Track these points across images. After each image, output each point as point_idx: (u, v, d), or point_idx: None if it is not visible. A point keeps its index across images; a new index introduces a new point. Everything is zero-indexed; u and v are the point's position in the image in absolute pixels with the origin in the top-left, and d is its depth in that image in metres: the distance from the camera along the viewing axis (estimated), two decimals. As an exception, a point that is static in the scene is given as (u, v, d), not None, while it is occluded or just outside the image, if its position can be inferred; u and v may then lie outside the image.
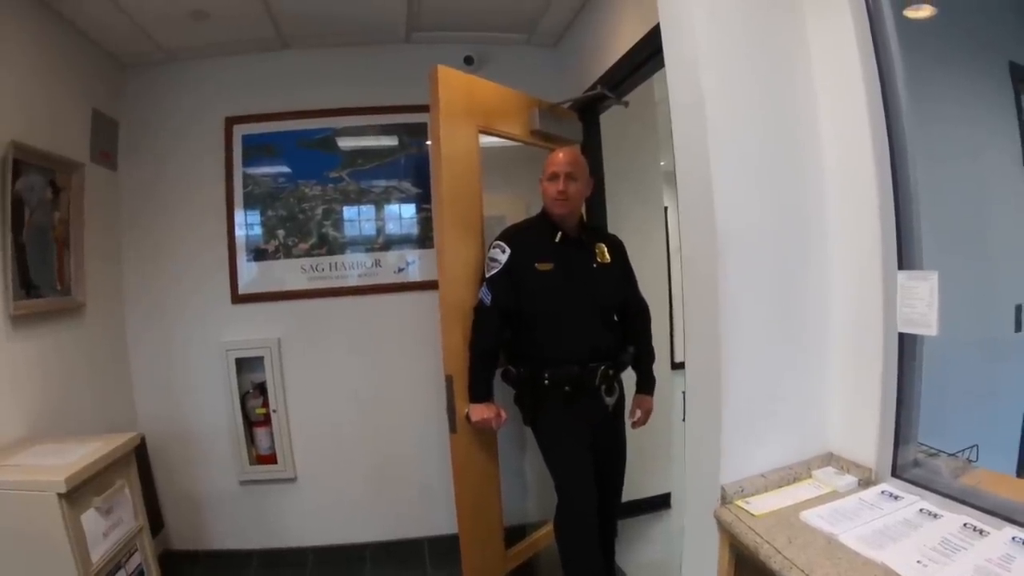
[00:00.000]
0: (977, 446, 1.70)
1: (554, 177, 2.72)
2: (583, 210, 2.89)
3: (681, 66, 1.90)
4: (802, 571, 1.38)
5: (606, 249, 2.87)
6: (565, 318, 2.72)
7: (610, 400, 2.81)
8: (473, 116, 2.89)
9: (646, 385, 3.04)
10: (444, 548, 3.61)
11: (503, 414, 2.79)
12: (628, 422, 3.03)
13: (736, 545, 1.70)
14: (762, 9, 1.86)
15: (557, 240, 2.77)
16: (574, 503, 2.71)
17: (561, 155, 2.77)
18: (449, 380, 2.74)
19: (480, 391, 2.75)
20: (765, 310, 1.85)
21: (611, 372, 2.79)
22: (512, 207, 3.16)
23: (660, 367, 3.12)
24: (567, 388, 2.70)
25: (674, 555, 2.76)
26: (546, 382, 2.70)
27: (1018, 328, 2.28)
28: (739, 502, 1.75)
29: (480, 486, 2.90)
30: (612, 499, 2.95)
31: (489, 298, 2.71)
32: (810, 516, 1.61)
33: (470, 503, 2.84)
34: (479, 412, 2.73)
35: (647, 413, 3.04)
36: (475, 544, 2.87)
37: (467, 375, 2.76)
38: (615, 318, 2.92)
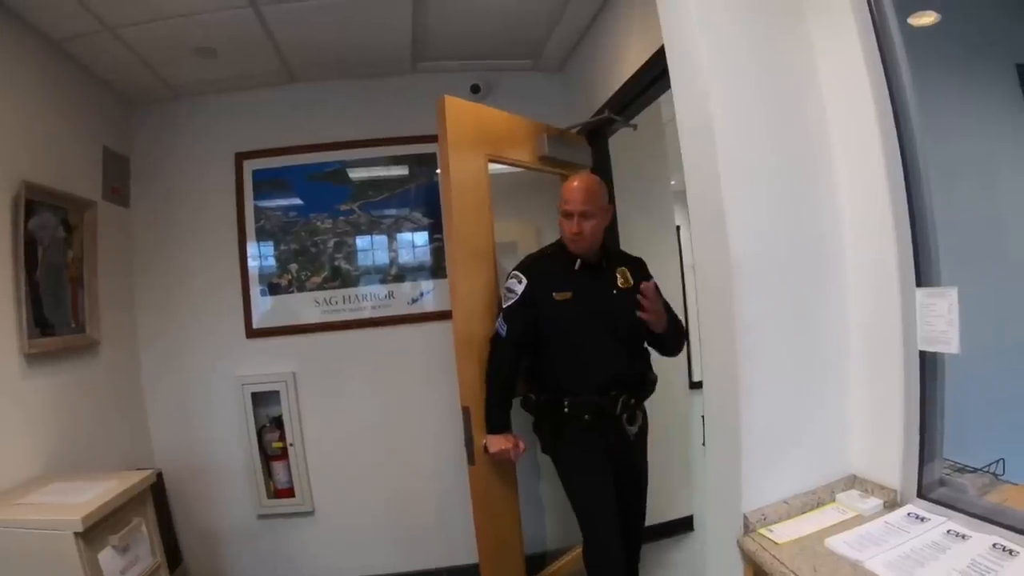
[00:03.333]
0: (1003, 460, 1.67)
1: (568, 216, 2.66)
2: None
3: (688, 90, 1.91)
4: (829, 601, 1.35)
5: (628, 273, 2.80)
6: (584, 347, 2.67)
7: (632, 429, 2.75)
8: (482, 145, 2.89)
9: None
10: (462, 578, 3.60)
11: (521, 445, 2.75)
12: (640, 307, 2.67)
13: (760, 575, 1.67)
14: (767, 29, 1.86)
15: (576, 268, 2.74)
16: (598, 533, 2.67)
17: (575, 187, 2.67)
18: (466, 411, 2.72)
19: (497, 422, 2.73)
20: (782, 333, 1.84)
21: (632, 401, 2.73)
22: (523, 233, 3.16)
23: (678, 387, 3.09)
24: (587, 417, 2.66)
25: (698, 579, 2.72)
26: (566, 410, 2.66)
27: (1043, 338, 2.25)
28: (762, 530, 1.73)
29: (500, 517, 2.87)
30: (634, 524, 2.88)
31: (504, 329, 2.70)
32: (835, 543, 1.58)
33: (490, 534, 2.81)
34: (497, 443, 2.71)
35: (649, 290, 2.56)
36: (496, 574, 2.83)
37: (484, 406, 2.73)
38: (639, 343, 2.81)
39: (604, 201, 2.74)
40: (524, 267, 2.75)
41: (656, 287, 2.60)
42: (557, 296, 2.68)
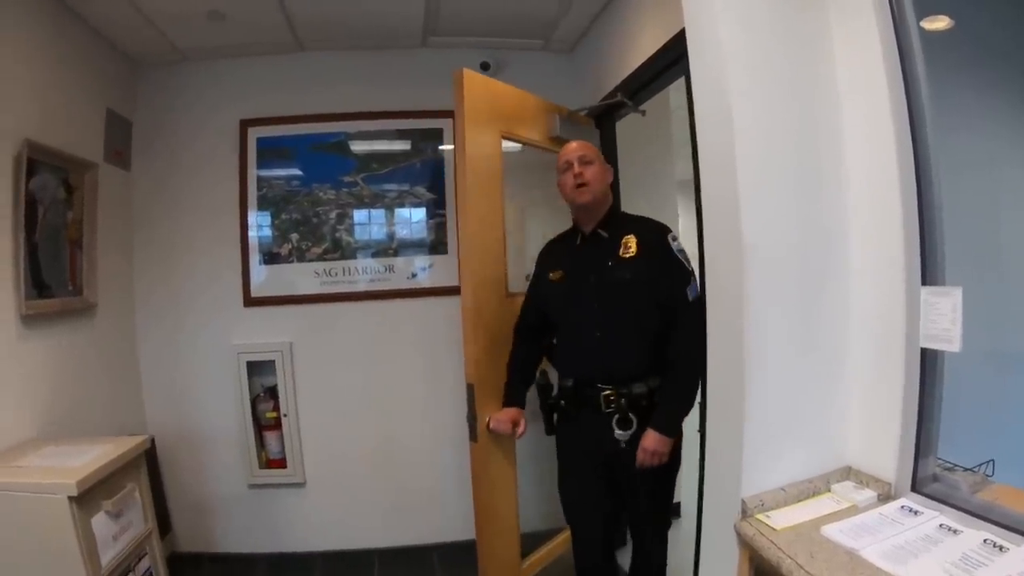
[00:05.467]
0: (993, 460, 1.70)
1: (567, 167, 2.50)
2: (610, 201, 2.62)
3: (707, 78, 1.90)
4: (825, 587, 1.37)
5: (635, 241, 2.44)
6: (570, 329, 2.57)
7: (622, 435, 2.40)
8: (496, 121, 2.85)
9: (656, 415, 2.38)
10: (453, 555, 3.61)
11: (520, 428, 2.70)
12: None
13: (756, 559, 1.69)
14: (789, 20, 1.85)
15: (578, 242, 2.58)
16: (574, 532, 2.72)
17: (569, 145, 2.59)
18: (470, 389, 2.71)
19: (506, 397, 2.73)
20: (788, 324, 1.84)
21: (622, 401, 2.39)
22: (548, 213, 3.11)
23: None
24: (563, 403, 2.57)
25: (685, 564, 2.74)
26: (557, 393, 2.62)
27: (1033, 341, 2.28)
28: (759, 516, 1.74)
29: (497, 494, 2.88)
30: (637, 532, 2.67)
31: (521, 312, 2.75)
32: (831, 531, 1.59)
33: (487, 511, 2.83)
34: (496, 415, 2.70)
35: (644, 452, 2.36)
36: (491, 553, 2.85)
37: None
38: (646, 330, 2.42)
39: (602, 157, 2.61)
40: (540, 251, 2.76)
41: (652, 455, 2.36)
42: (552, 276, 2.60)
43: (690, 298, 2.36)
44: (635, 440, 2.38)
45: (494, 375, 2.76)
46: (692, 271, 2.43)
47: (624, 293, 2.41)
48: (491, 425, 2.71)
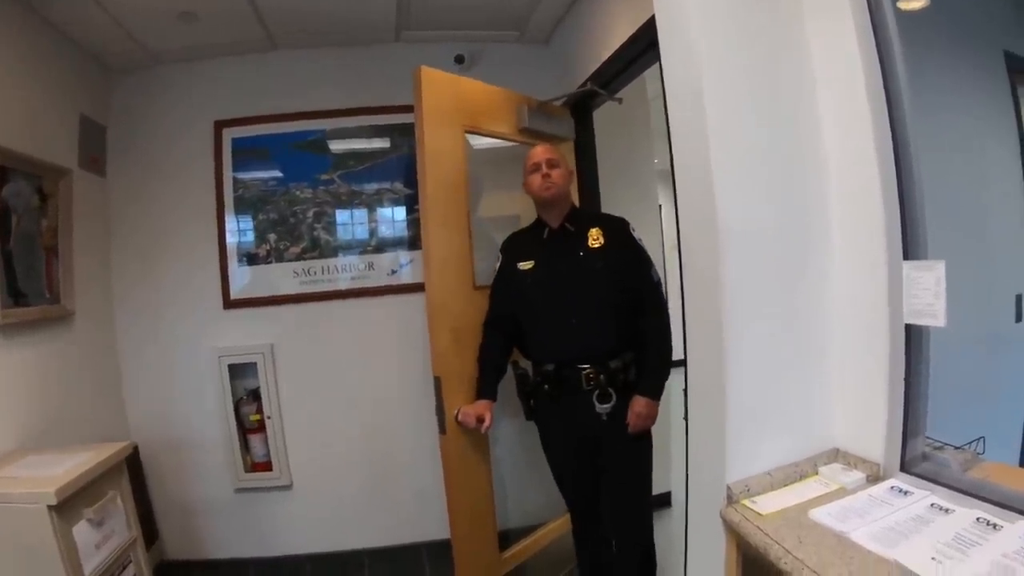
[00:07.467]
0: (984, 438, 1.68)
1: (536, 168, 2.71)
2: (575, 199, 2.82)
3: (678, 59, 1.88)
4: (814, 572, 1.35)
5: (601, 233, 2.69)
6: (546, 316, 2.69)
7: (603, 408, 2.60)
8: (459, 117, 2.88)
9: (641, 383, 2.63)
10: (442, 553, 3.56)
11: (486, 419, 2.70)
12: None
13: (743, 546, 1.67)
14: (760, 2, 1.83)
15: (545, 236, 2.76)
16: (567, 503, 2.89)
17: (536, 148, 2.79)
18: (437, 381, 2.72)
19: (477, 390, 2.78)
20: (768, 306, 1.82)
21: (601, 376, 2.60)
22: (526, 204, 3.11)
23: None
24: (546, 387, 2.69)
25: (675, 555, 2.72)
26: (538, 379, 2.73)
27: (1019, 318, 2.28)
28: (745, 501, 1.72)
29: (472, 487, 2.87)
30: (616, 510, 2.76)
31: (489, 305, 2.84)
32: (819, 514, 1.58)
33: (461, 504, 2.81)
34: (465, 408, 2.73)
35: (637, 417, 2.59)
36: (468, 546, 2.84)
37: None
38: (614, 313, 2.62)
39: (566, 161, 2.82)
40: (503, 244, 2.87)
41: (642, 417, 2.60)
42: (522, 267, 2.74)
43: (654, 280, 2.70)
44: (615, 413, 2.61)
45: (462, 367, 2.79)
46: (650, 258, 2.74)
47: (596, 280, 2.63)
48: (459, 418, 2.72)
